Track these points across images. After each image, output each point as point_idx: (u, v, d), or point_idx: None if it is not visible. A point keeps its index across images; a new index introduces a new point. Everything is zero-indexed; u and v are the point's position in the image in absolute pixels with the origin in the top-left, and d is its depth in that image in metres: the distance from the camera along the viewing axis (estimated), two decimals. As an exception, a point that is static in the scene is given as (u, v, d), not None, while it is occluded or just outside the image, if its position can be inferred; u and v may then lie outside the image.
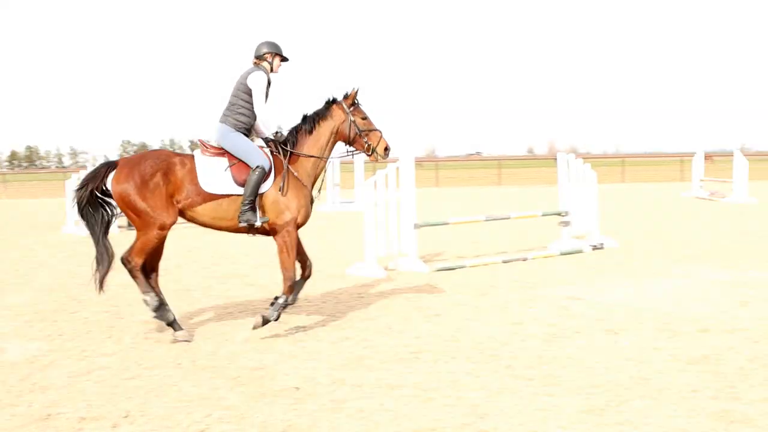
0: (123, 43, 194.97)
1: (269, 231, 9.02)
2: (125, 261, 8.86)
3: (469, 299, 10.76)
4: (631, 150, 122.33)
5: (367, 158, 9.51)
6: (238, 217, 8.81)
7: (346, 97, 9.37)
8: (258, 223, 8.82)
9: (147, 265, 8.98)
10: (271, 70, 9.34)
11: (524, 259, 14.33)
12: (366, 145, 9.32)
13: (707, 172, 35.41)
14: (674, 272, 12.72)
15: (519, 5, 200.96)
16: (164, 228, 8.78)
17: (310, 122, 9.28)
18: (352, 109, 9.33)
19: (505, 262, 14.02)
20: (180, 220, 8.94)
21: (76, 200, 8.93)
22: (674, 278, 12.14)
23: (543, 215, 16.24)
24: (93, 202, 8.92)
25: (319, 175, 9.34)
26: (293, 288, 9.08)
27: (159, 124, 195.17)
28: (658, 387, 6.78)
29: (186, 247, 17.49)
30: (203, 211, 8.88)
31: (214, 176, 8.84)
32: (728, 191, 29.32)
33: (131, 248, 8.86)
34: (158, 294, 8.92)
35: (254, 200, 8.79)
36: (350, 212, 25.96)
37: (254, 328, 8.84)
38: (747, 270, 12.78)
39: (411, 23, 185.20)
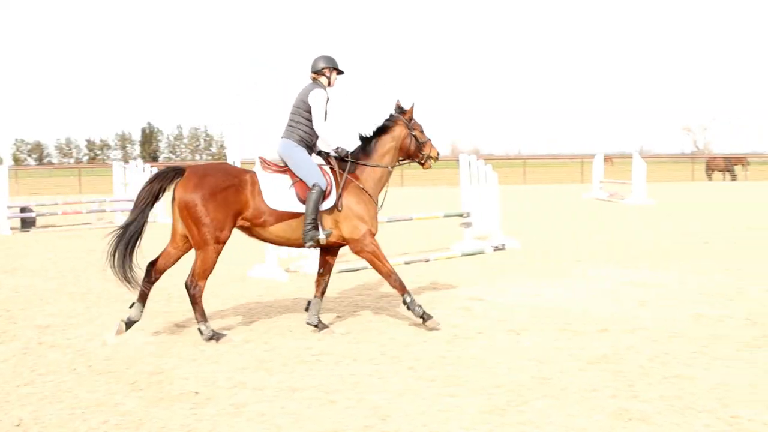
0: (13, 39, 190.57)
1: (345, 245, 9.22)
2: (189, 286, 8.74)
3: (371, 301, 10.74)
4: (533, 151, 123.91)
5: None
6: (303, 236, 8.87)
7: (402, 111, 9.66)
8: (322, 238, 8.87)
9: (157, 267, 8.99)
10: (329, 85, 9.39)
11: (426, 260, 14.36)
12: (421, 155, 9.69)
13: (607, 173, 36.18)
14: (575, 272, 12.89)
15: (422, 5, 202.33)
16: (221, 242, 8.68)
17: (373, 139, 9.51)
18: (411, 123, 9.64)
19: (407, 263, 14.01)
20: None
21: (142, 196, 8.79)
22: (575, 278, 12.30)
23: (445, 216, 16.28)
24: (151, 202, 8.84)
25: (384, 186, 9.53)
26: (404, 286, 9.19)
27: (54, 123, 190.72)
28: (559, 386, 6.83)
29: (86, 248, 17.11)
30: (274, 230, 8.92)
31: (278, 193, 8.85)
32: (627, 193, 29.89)
33: (193, 272, 8.72)
34: (205, 321, 8.78)
35: (315, 219, 8.82)
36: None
37: (430, 328, 9.02)
38: (645, 270, 13.01)
39: (310, 23, 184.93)
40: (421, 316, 9.05)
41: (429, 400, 6.53)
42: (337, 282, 12.21)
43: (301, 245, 9.07)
